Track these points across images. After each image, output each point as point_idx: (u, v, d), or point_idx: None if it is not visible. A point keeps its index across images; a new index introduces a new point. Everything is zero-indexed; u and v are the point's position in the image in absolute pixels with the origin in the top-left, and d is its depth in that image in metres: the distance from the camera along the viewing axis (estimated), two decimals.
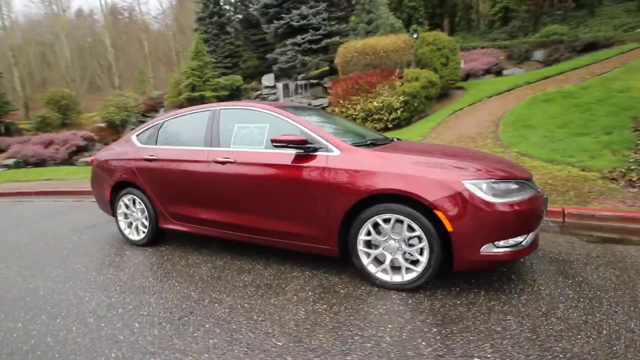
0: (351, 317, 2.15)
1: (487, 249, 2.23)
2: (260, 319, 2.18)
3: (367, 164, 2.45)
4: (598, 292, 2.31)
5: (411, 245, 2.38)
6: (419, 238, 2.33)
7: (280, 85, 17.63)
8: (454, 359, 1.74)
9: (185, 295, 2.53)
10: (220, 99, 17.64)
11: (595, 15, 15.59)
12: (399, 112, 9.74)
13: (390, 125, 9.92)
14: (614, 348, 1.76)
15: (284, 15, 17.48)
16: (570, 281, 2.48)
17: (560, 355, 1.73)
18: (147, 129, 3.66)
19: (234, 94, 18.38)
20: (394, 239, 2.41)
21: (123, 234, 3.75)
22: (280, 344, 1.92)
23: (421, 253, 2.35)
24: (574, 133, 6.34)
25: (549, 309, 2.14)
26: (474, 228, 2.20)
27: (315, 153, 2.62)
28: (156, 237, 3.60)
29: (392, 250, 2.43)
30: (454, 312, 2.15)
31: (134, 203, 3.62)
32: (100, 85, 27.16)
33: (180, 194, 3.26)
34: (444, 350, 1.81)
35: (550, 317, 2.06)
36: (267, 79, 18.07)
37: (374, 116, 10.01)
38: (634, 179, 4.36)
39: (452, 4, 21.15)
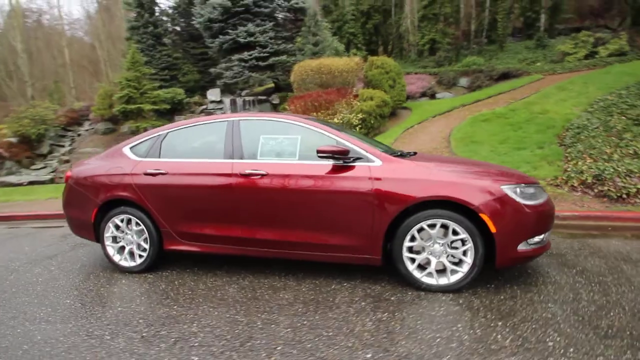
0: (419, 322, 2.19)
1: (523, 246, 2.50)
2: (331, 334, 2.09)
3: (412, 173, 2.58)
4: (600, 277, 2.74)
5: (454, 248, 2.55)
6: (462, 240, 2.51)
7: (227, 100, 17.16)
8: (533, 346, 1.91)
9: (232, 320, 2.30)
10: (160, 113, 16.48)
11: (503, 50, 18.54)
12: (357, 128, 10.21)
13: None
14: None
15: (229, 31, 17.24)
16: (574, 270, 2.88)
17: (610, 331, 2.01)
18: (144, 140, 3.29)
19: (176, 108, 17.31)
20: (439, 243, 2.55)
21: (112, 261, 3.25)
22: (369, 356, 1.88)
23: (464, 254, 2.52)
24: (514, 147, 7.39)
25: (575, 295, 2.46)
26: (513, 228, 2.46)
27: (356, 164, 2.66)
28: (155, 262, 3.20)
29: (438, 254, 2.57)
30: (505, 307, 2.34)
31: (128, 224, 3.18)
32: (8, 94, 23.10)
33: (195, 210, 2.98)
34: (521, 339, 1.97)
35: (581, 301, 2.37)
36: (213, 94, 17.46)
37: None
38: (575, 185, 5.24)
39: (386, 33, 23.19)
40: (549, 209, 2.66)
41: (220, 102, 17.39)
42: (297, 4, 18.27)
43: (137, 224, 3.14)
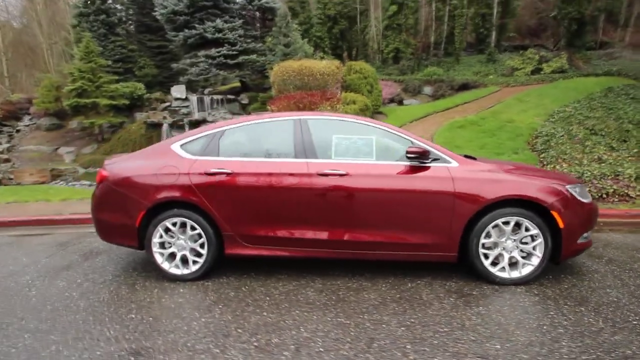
0: (516, 313, 2.35)
1: (580, 240, 2.80)
2: (447, 329, 2.16)
3: (489, 174, 2.75)
4: (627, 265, 3.15)
5: (524, 243, 2.76)
6: (532, 236, 2.73)
7: (194, 98, 16.30)
8: (624, 325, 2.16)
9: (337, 323, 2.25)
10: (118, 109, 15.14)
11: (459, 63, 20.12)
12: None
13: None
14: None
15: (196, 25, 16.44)
16: (603, 260, 3.28)
17: None
18: (198, 137, 3.05)
19: (135, 104, 16.03)
20: (512, 239, 2.75)
21: (161, 269, 2.96)
22: (498, 346, 1.98)
23: (534, 249, 2.75)
24: (493, 152, 8.08)
25: (621, 280, 2.81)
26: (576, 223, 2.74)
27: (435, 164, 2.77)
28: (212, 269, 2.99)
29: (510, 249, 2.76)
30: (574, 294, 2.60)
31: (181, 228, 2.93)
32: None
33: (265, 212, 2.84)
34: (613, 321, 2.21)
35: (629, 286, 2.72)
36: (178, 91, 16.46)
37: None
38: None
39: (351, 39, 23.84)
40: (596, 207, 3.00)
41: (185, 99, 16.47)
42: (267, 3, 18.02)
43: (192, 227, 2.91)
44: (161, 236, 2.94)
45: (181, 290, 2.80)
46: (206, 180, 2.85)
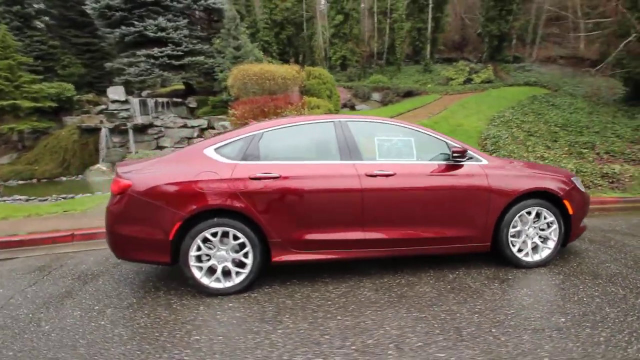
0: (559, 291, 2.66)
1: (582, 224, 3.28)
2: (513, 311, 2.36)
3: (514, 171, 3.08)
4: (607, 243, 3.75)
5: (542, 230, 3.14)
6: (548, 224, 3.12)
7: (135, 100, 14.92)
8: (639, 290, 2.60)
9: (416, 318, 2.31)
10: (44, 112, 13.17)
11: (401, 72, 21.65)
12: None
13: None
14: None
15: (135, 23, 15.11)
16: (586, 241, 3.84)
17: None
18: (234, 141, 2.86)
19: (63, 107, 14.09)
20: (533, 227, 3.11)
21: (200, 284, 2.70)
22: (563, 319, 2.23)
23: (550, 234, 3.14)
24: None
25: (610, 256, 3.35)
26: (580, 210, 3.20)
27: (468, 162, 3.01)
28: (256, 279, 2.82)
29: (532, 236, 3.12)
30: (586, 269, 3.03)
31: (222, 238, 2.72)
32: None
33: (314, 216, 2.78)
34: (629, 288, 2.64)
35: (620, 260, 3.26)
36: (115, 92, 14.89)
37: None
38: None
39: (299, 45, 24.10)
40: (589, 196, 3.53)
41: (125, 102, 14.96)
42: (214, 3, 17.34)
43: (234, 237, 2.72)
44: (199, 248, 2.69)
45: (230, 304, 2.59)
46: (251, 186, 2.70)
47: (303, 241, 2.79)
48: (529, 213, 3.06)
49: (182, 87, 18.84)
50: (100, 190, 9.06)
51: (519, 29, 20.29)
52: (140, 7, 15.38)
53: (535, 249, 3.15)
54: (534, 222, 3.11)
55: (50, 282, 3.13)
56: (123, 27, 15.10)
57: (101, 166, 12.17)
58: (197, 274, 2.70)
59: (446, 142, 3.06)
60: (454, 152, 2.88)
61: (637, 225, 4.51)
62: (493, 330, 2.14)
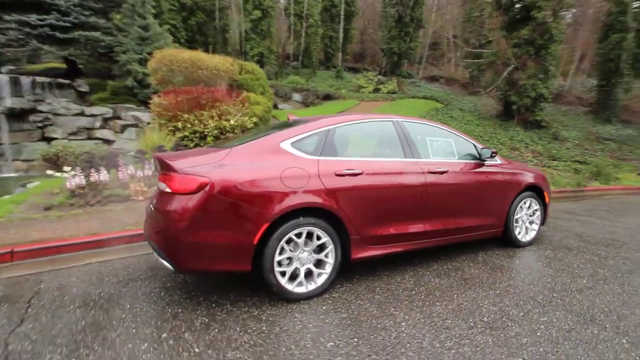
0: (558, 267, 3.42)
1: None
2: (539, 289, 2.96)
3: (517, 169, 3.78)
4: (558, 222, 4.92)
5: (531, 216, 3.94)
6: (534, 211, 3.95)
7: (4, 78, 11.48)
8: (617, 253, 3.57)
9: (496, 295, 2.67)
10: None
11: (316, 75, 22.48)
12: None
13: None
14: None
15: None
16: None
17: (611, 241, 4.00)
18: (309, 135, 2.68)
19: None
20: (527, 214, 3.88)
21: (284, 290, 2.46)
22: (579, 296, 2.93)
23: (537, 218, 3.96)
24: None
25: (569, 231, 4.43)
26: (549, 198, 4.14)
27: (490, 161, 3.56)
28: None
29: (524, 221, 3.88)
30: (563, 244, 3.95)
31: (306, 239, 2.55)
32: None
33: (388, 211, 2.85)
34: (612, 257, 3.59)
35: (580, 235, 4.35)
36: None
37: (227, 134, 9.62)
38: None
39: (210, 35, 22.43)
40: None
41: None
42: None
43: (317, 237, 2.59)
44: (282, 251, 2.47)
45: (321, 307, 2.46)
46: (337, 182, 2.61)
47: (377, 236, 2.84)
48: (524, 202, 3.82)
49: (62, 65, 15.39)
50: None
51: (413, 49, 23.59)
52: None
53: (526, 231, 3.93)
54: (528, 209, 3.88)
55: (50, 316, 2.35)
56: None
57: None
58: (281, 280, 2.47)
59: (474, 144, 3.55)
60: (492, 152, 3.38)
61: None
62: (547, 292, 2.67)
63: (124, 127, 11.67)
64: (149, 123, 11.71)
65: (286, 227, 2.44)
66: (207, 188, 2.24)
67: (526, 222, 3.89)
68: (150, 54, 13.63)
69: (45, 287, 2.78)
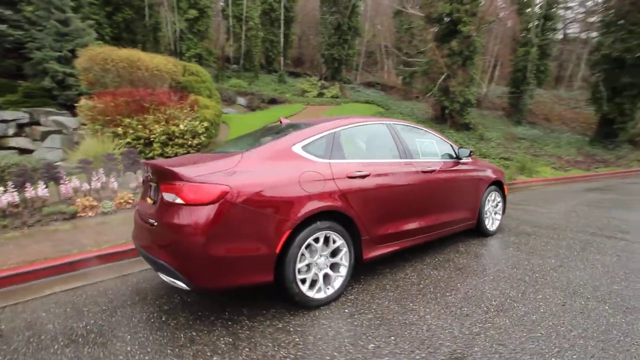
0: (530, 251, 3.87)
1: None
2: (523, 271, 3.34)
3: (484, 166, 4.18)
4: (515, 207, 5.54)
5: (495, 207, 4.40)
6: (497, 203, 4.41)
7: None
8: (585, 230, 4.14)
9: (496, 279, 2.93)
10: None
11: (259, 79, 22.05)
12: (202, 137, 9.43)
13: (193, 151, 9.30)
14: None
15: None
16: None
17: (559, 224, 4.64)
18: (318, 138, 2.64)
19: None
20: (493, 205, 4.32)
21: (305, 298, 2.38)
22: (555, 275, 3.37)
23: (499, 209, 4.43)
24: None
25: (525, 212, 5.03)
26: (507, 191, 4.66)
27: (465, 159, 3.89)
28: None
29: (491, 212, 4.31)
30: (520, 229, 4.48)
31: (325, 243, 2.51)
32: None
33: (391, 211, 2.93)
34: (583, 232, 4.15)
35: (536, 220, 4.95)
36: None
37: (176, 140, 8.94)
38: None
39: (140, 32, 20.60)
40: None
41: None
42: None
43: (333, 240, 2.56)
44: (302, 258, 2.40)
45: (343, 311, 2.45)
46: (349, 185, 2.62)
47: (383, 236, 2.91)
48: (490, 195, 4.25)
49: None
50: None
51: (351, 56, 24.59)
52: None
53: (492, 221, 4.37)
54: (493, 201, 4.33)
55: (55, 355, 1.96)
56: None
57: None
58: (302, 288, 2.39)
59: (451, 144, 3.85)
60: (471, 152, 3.70)
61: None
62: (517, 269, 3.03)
63: (45, 134, 10.09)
64: (75, 129, 10.37)
65: (306, 232, 2.37)
66: (227, 196, 2.08)
67: (492, 213, 4.33)
68: (72, 51, 12.15)
69: (9, 328, 2.31)
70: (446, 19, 14.04)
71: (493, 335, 2.11)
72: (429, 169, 3.32)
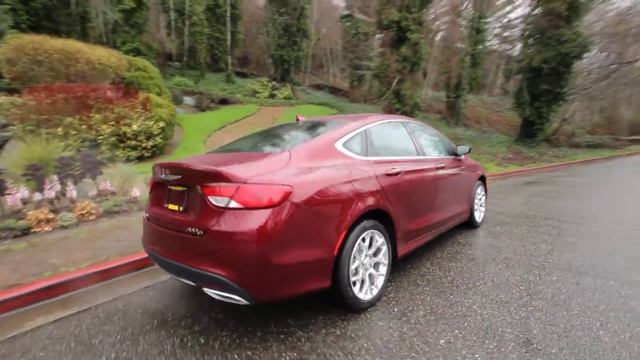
0: (511, 240, 4.22)
1: None
2: (506, 264, 3.64)
3: (473, 162, 4.46)
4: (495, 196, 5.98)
5: (480, 200, 4.72)
6: (482, 196, 4.75)
7: None
8: (571, 221, 4.59)
9: (509, 266, 3.12)
10: None
11: (205, 78, 20.86)
12: (158, 138, 8.62)
13: (147, 154, 8.44)
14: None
15: None
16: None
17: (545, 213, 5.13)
18: (354, 135, 2.57)
19: None
20: (478, 199, 4.63)
21: (357, 301, 2.28)
22: (542, 259, 3.72)
23: (482, 201, 4.77)
24: None
25: (504, 200, 5.46)
26: (487, 185, 5.05)
27: (463, 157, 4.11)
28: None
29: (479, 205, 4.63)
30: (501, 219, 4.87)
31: (370, 242, 2.44)
32: None
33: (419, 205, 2.99)
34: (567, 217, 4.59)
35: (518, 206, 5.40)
36: None
37: (128, 142, 8.03)
38: None
39: (61, 22, 18.12)
40: None
41: None
42: None
43: (375, 239, 2.50)
44: (354, 259, 2.30)
45: (392, 310, 2.40)
46: (387, 182, 2.58)
47: (411, 231, 2.92)
48: (478, 190, 4.56)
49: None
50: None
51: (301, 58, 24.63)
52: None
53: (479, 213, 4.69)
54: (479, 195, 4.64)
55: None
56: None
57: None
58: (355, 290, 2.29)
59: (450, 143, 4.04)
60: (469, 149, 3.91)
61: None
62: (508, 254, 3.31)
63: None
64: None
65: (356, 232, 2.28)
66: (291, 197, 1.90)
67: (479, 206, 4.65)
68: None
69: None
70: (395, 27, 14.80)
71: (540, 317, 2.25)
72: (440, 165, 3.44)
